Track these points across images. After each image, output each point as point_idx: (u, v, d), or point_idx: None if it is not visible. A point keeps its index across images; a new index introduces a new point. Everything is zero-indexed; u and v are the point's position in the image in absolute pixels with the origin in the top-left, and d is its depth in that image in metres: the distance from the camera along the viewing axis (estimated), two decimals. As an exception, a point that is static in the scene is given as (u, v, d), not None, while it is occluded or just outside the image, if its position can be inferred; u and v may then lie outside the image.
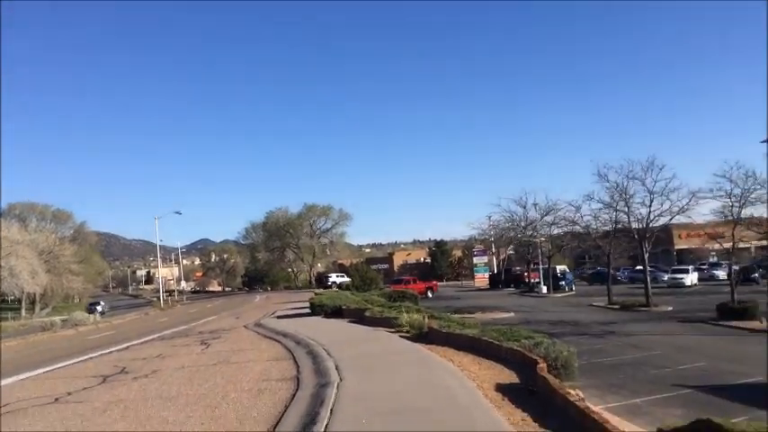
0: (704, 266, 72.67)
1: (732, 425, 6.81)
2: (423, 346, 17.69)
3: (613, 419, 13.02)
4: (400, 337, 20.47)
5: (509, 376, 12.20)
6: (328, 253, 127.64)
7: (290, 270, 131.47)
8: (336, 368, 14.39)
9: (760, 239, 41.45)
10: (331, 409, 10.10)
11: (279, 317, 36.39)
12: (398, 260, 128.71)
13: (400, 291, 47.01)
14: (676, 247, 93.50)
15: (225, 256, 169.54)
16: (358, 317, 27.14)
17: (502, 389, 10.90)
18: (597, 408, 14.32)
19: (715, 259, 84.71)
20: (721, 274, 68.07)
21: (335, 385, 12.20)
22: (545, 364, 11.75)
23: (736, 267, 39.12)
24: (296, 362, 16.76)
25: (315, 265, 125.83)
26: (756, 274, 56.49)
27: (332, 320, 28.41)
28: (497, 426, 8.41)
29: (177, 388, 14.54)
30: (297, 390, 12.73)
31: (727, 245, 35.76)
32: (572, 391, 13.23)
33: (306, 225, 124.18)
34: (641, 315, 37.24)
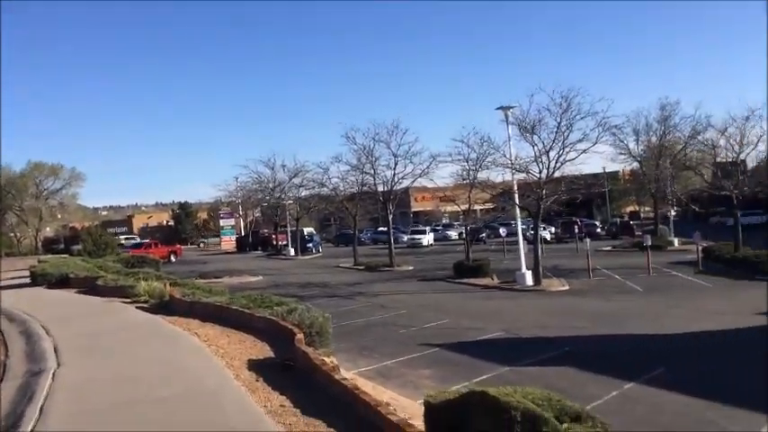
0: (439, 228, 77.85)
1: (504, 395, 6.32)
2: (164, 317, 15.76)
3: (371, 388, 12.58)
4: (137, 308, 18.19)
5: (262, 349, 11.05)
6: (59, 216, 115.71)
7: (12, 235, 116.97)
8: (55, 350, 12.04)
9: (485, 202, 44.73)
10: (41, 407, 8.08)
11: (-9, 289, 31.31)
12: (139, 223, 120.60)
13: (140, 256, 43.53)
14: (413, 210, 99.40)
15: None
16: (89, 286, 24.05)
17: (256, 366, 9.69)
18: (351, 373, 13.89)
19: (447, 221, 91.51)
20: (453, 234, 73.55)
21: (51, 373, 10.07)
22: (302, 335, 10.77)
23: (472, 226, 41.83)
24: (5, 344, 13.93)
25: (42, 229, 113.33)
26: (484, 235, 61.66)
27: (57, 291, 24.83)
28: (253, 418, 7.16)
29: None
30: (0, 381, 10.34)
31: (464, 207, 38.00)
32: (327, 359, 12.54)
33: (31, 185, 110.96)
34: (386, 275, 38.39)
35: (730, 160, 37.69)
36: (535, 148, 29.21)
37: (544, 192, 28.91)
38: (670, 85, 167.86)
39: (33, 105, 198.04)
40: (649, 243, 33.69)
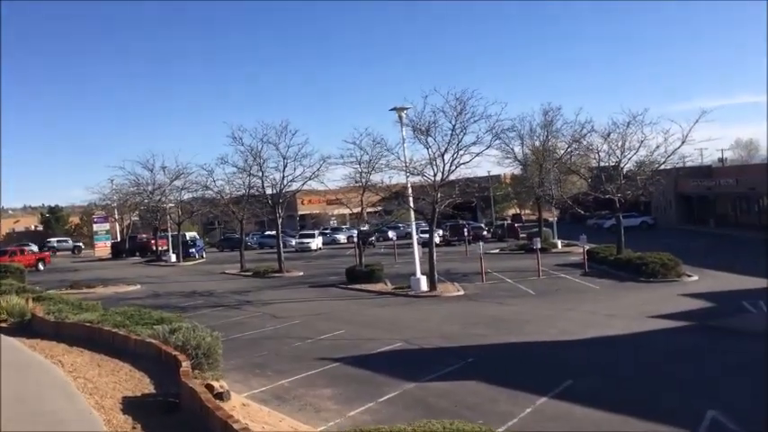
0: (327, 231, 76.78)
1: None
2: (23, 341, 13.66)
3: (267, 415, 11.27)
4: (-8, 330, 15.92)
5: (141, 382, 9.48)
6: None
7: None
8: None
9: (372, 205, 44.09)
10: None
11: None
12: (4, 228, 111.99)
13: (3, 264, 39.66)
14: (300, 213, 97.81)
15: None
16: (-65, 303, 21.19)
17: (132, 406, 8.14)
18: (243, 396, 12.50)
19: (335, 224, 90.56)
20: (342, 237, 72.71)
21: None
22: (188, 362, 9.31)
23: (363, 230, 40.97)
24: None
25: None
26: (373, 238, 61.14)
27: None
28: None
29: None
30: None
31: (356, 210, 37.13)
32: (216, 383, 11.11)
33: None
34: (275, 281, 36.89)
35: (612, 164, 38.87)
36: (429, 150, 28.72)
37: (439, 195, 28.41)
38: (553, 91, 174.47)
39: None
40: (539, 246, 34.05)
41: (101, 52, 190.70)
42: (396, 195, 35.15)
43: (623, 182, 35.74)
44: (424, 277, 28.55)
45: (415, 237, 31.49)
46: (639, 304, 22.72)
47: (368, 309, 25.07)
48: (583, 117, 63.33)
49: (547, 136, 48.76)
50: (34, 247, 68.81)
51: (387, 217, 43.94)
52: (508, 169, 62.97)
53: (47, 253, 64.28)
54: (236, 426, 5.84)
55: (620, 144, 36.07)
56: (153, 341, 11.13)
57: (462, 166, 28.79)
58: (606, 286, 27.77)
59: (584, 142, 41.05)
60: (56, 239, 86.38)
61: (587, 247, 34.29)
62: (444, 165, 28.34)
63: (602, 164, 40.72)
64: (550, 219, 55.75)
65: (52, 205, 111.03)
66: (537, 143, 51.02)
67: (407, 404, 12.12)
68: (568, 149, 45.72)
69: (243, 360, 16.04)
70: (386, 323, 21.62)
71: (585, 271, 31.92)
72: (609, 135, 36.42)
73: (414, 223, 32.73)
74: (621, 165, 36.74)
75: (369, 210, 48.17)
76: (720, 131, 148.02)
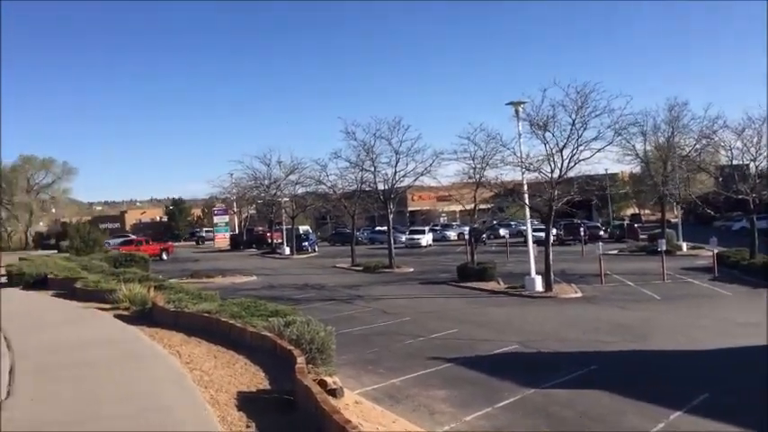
0: (437, 228, 76.27)
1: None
2: (144, 329, 13.94)
3: (380, 414, 10.89)
4: (115, 316, 16.29)
5: (255, 377, 9.30)
6: (53, 210, 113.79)
7: (2, 230, 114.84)
8: (11, 371, 10.21)
9: (483, 202, 43.16)
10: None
11: (-35, 289, 29.45)
12: (131, 219, 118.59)
13: (129, 254, 41.77)
14: (410, 209, 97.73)
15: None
16: (68, 288, 22.26)
17: (247, 402, 7.92)
18: (355, 394, 12.20)
19: (445, 220, 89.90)
20: (452, 234, 71.99)
21: (-5, 408, 8.22)
22: (303, 358, 9.03)
23: (475, 227, 40.20)
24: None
25: (35, 224, 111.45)
26: (484, 236, 60.10)
27: (33, 294, 23.00)
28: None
29: None
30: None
31: (469, 206, 36.45)
32: (329, 379, 10.84)
33: (22, 179, 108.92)
34: (385, 277, 36.75)
35: (745, 163, 36.33)
36: (547, 145, 27.57)
37: (556, 192, 27.25)
38: (677, 85, 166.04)
39: (27, 98, 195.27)
40: (664, 248, 32.07)
41: (225, 54, 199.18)
42: (510, 192, 34.11)
43: (758, 181, 33.20)
44: (540, 277, 27.51)
45: (530, 234, 30.41)
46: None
47: (481, 308, 24.35)
48: (713, 112, 59.41)
49: (672, 132, 46.23)
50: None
51: (500, 214, 42.76)
52: (628, 167, 60.20)
53: (170, 243, 67.42)
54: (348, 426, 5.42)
55: (755, 141, 33.60)
56: (268, 334, 11.00)
57: (582, 162, 27.52)
58: (738, 293, 25.81)
59: (716, 138, 38.53)
60: (204, 229, 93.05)
61: (717, 251, 32.03)
62: (563, 161, 27.16)
63: (734, 162, 38.00)
64: (673, 219, 52.83)
65: (176, 198, 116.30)
66: (661, 139, 48.50)
67: (527, 411, 11.41)
68: (696, 146, 43.12)
69: (354, 356, 15.75)
70: (500, 324, 20.85)
71: (715, 276, 29.84)
72: (743, 131, 33.95)
73: (529, 222, 31.68)
74: (757, 163, 34.18)
75: (481, 207, 47.22)
76: None
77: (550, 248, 27.55)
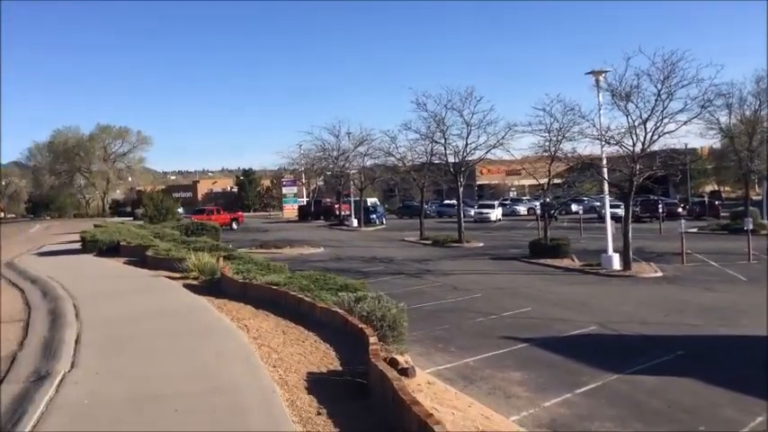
0: (507, 202, 74.90)
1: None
2: (212, 300, 13.73)
3: (454, 396, 10.34)
4: (184, 286, 16.22)
5: (326, 355, 8.84)
6: (130, 179, 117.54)
7: (80, 197, 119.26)
8: (76, 342, 10.15)
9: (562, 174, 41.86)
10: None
11: (42, 253, 30.56)
12: (203, 189, 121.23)
13: (200, 223, 42.34)
14: (478, 182, 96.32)
15: (9, 180, 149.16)
16: (138, 256, 22.49)
17: (317, 384, 7.47)
18: (427, 373, 11.67)
19: (515, 195, 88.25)
20: (522, 209, 70.57)
21: (58, 380, 8.04)
22: (376, 338, 8.52)
23: (547, 201, 38.99)
24: (27, 327, 12.11)
25: (112, 191, 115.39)
26: (555, 211, 58.58)
27: (105, 260, 23.35)
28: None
29: None
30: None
31: (543, 180, 35.27)
32: (400, 358, 10.34)
33: (99, 148, 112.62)
34: (454, 251, 36.05)
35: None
36: (629, 117, 26.09)
37: (638, 167, 25.87)
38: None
39: (104, 69, 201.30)
40: (750, 227, 30.21)
41: (296, 26, 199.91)
42: (587, 166, 32.69)
43: None
44: (617, 255, 26.30)
45: (608, 211, 29.12)
46: None
47: (555, 286, 23.42)
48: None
49: (759, 105, 43.68)
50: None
51: (575, 187, 41.29)
52: (710, 141, 57.39)
53: (239, 213, 68.39)
54: (437, 429, 4.84)
55: None
56: (338, 310, 10.56)
57: (666, 135, 25.97)
58: (835, 276, 24.00)
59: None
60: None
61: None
62: (645, 134, 25.69)
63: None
64: (755, 197, 50.16)
65: (246, 168, 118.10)
66: (747, 113, 45.88)
67: (611, 399, 10.64)
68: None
69: (424, 333, 15.22)
70: (576, 303, 19.91)
71: (807, 257, 27.95)
72: None
73: (607, 197, 30.34)
74: None
75: (554, 181, 45.88)
76: None
77: (630, 225, 26.25)
